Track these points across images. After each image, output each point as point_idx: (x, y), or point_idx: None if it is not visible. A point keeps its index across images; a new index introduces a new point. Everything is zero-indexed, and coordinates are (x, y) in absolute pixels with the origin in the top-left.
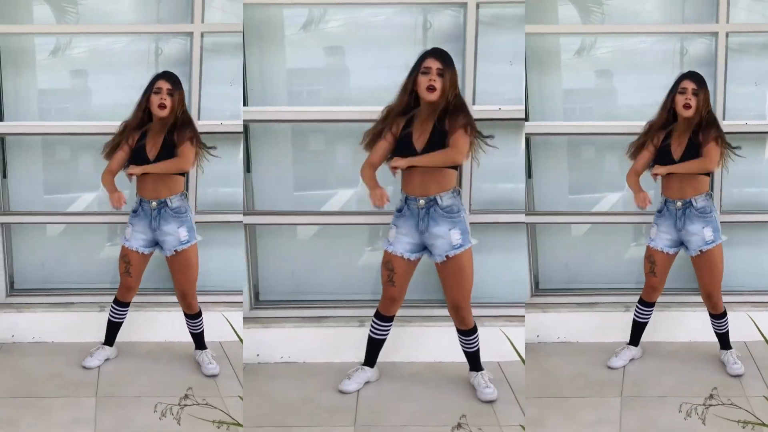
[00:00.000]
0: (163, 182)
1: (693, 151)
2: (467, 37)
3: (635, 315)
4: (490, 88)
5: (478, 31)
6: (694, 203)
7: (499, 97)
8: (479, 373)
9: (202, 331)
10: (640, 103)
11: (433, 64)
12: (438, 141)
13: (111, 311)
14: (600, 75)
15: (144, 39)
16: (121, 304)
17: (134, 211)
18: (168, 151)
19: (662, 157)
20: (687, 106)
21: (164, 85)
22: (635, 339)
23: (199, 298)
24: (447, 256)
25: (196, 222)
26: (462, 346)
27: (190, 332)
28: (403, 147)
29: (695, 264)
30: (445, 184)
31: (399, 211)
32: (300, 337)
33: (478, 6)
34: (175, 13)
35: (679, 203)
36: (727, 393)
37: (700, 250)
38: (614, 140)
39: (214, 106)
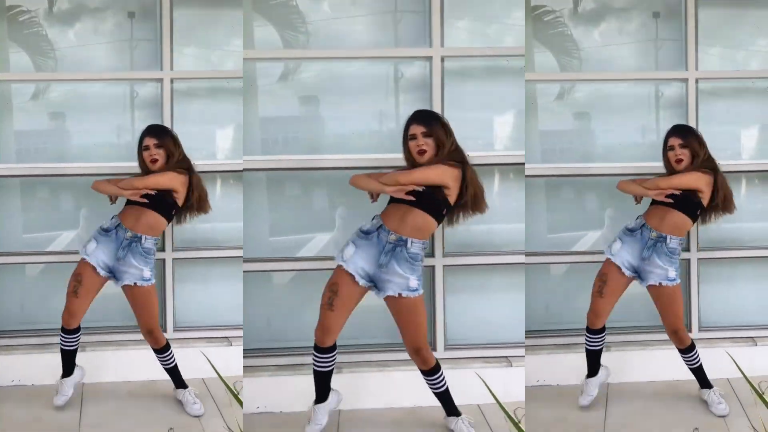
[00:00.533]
0: (145, 219)
1: (692, 193)
2: (433, 87)
3: (586, 344)
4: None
5: (445, 82)
6: (667, 241)
7: (473, 143)
8: (458, 418)
9: (176, 365)
10: (617, 143)
11: (417, 130)
12: (434, 188)
13: (61, 340)
14: (578, 117)
15: (120, 83)
16: (68, 331)
17: (105, 230)
18: (166, 191)
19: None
20: (679, 161)
21: (150, 142)
22: (593, 368)
23: (179, 335)
24: (400, 294)
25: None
26: (430, 387)
27: (165, 369)
28: None
29: (656, 297)
30: (421, 234)
31: (365, 233)
32: (279, 385)
33: (443, 59)
34: (150, 59)
35: (654, 233)
36: None
37: (660, 283)
38: (593, 180)
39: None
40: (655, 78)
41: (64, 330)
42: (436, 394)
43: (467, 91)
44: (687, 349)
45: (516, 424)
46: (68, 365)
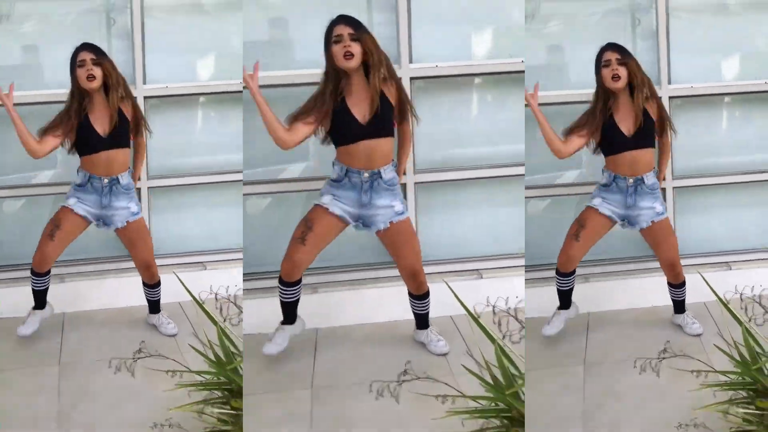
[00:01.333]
0: (115, 159)
1: (646, 124)
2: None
3: (557, 285)
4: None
5: None
6: (645, 180)
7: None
8: (426, 330)
9: (159, 298)
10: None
11: (344, 30)
12: (385, 109)
13: (32, 281)
14: (552, 50)
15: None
16: (39, 274)
17: (80, 185)
18: (122, 124)
19: (611, 136)
20: (616, 78)
21: (87, 56)
22: (565, 303)
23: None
24: (391, 222)
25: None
26: (415, 309)
27: (148, 300)
28: (342, 123)
29: (650, 236)
30: (387, 158)
31: (336, 181)
32: (255, 308)
33: None
34: None
35: (630, 180)
36: (683, 349)
37: (652, 221)
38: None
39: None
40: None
41: (35, 272)
42: (418, 314)
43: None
44: (680, 284)
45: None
46: (39, 301)
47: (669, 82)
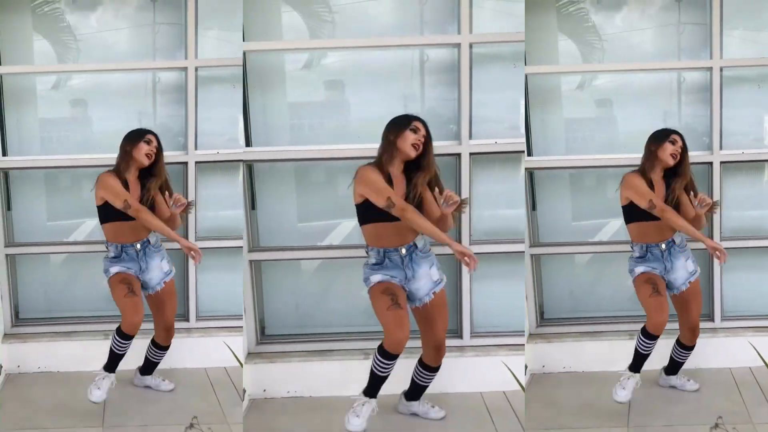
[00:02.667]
0: (140, 223)
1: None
2: (461, 72)
3: (639, 346)
4: (489, 116)
5: (473, 66)
6: (675, 240)
7: (499, 125)
8: (419, 401)
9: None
10: (638, 130)
11: (421, 126)
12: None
13: (118, 345)
14: (600, 104)
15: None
16: (129, 337)
17: (115, 257)
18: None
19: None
20: (674, 156)
21: (154, 139)
22: (637, 367)
23: (201, 324)
24: (434, 293)
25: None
26: (421, 380)
27: (151, 360)
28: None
29: (682, 300)
30: (415, 230)
31: (378, 264)
32: (306, 371)
33: (471, 46)
34: (172, 43)
35: (663, 245)
36: (733, 420)
37: (689, 282)
38: (616, 168)
39: (214, 131)
40: (677, 68)
41: (125, 336)
42: (420, 386)
43: (493, 77)
44: (692, 347)
45: None
46: (115, 365)
47: (720, 148)
